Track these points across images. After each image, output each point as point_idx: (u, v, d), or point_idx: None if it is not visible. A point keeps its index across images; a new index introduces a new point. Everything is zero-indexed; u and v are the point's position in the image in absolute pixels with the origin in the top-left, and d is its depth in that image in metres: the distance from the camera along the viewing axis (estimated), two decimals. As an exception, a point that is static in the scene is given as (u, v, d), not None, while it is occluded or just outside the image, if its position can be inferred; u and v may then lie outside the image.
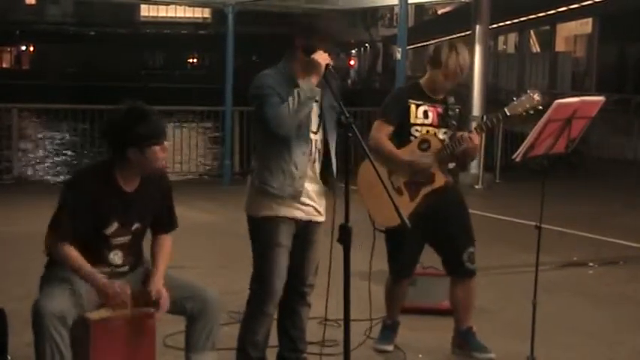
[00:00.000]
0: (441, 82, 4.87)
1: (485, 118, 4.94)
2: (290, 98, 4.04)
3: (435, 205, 4.85)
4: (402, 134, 4.92)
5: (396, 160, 4.85)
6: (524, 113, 4.77)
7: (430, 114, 4.92)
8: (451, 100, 4.94)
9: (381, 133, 4.94)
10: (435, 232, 4.92)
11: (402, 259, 5.06)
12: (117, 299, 3.77)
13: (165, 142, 3.83)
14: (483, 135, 4.98)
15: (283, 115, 4.03)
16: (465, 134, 4.79)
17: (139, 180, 3.90)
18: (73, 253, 3.77)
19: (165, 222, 4.09)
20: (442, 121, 4.92)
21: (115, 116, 3.84)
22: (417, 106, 4.91)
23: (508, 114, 4.78)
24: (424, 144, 4.88)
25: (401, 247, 5.01)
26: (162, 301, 3.85)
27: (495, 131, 13.54)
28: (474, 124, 5.01)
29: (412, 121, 4.90)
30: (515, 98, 4.80)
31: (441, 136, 4.91)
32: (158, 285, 3.89)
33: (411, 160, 4.83)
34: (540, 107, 4.69)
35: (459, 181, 5.16)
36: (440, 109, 4.93)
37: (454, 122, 4.93)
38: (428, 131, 4.90)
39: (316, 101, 4.17)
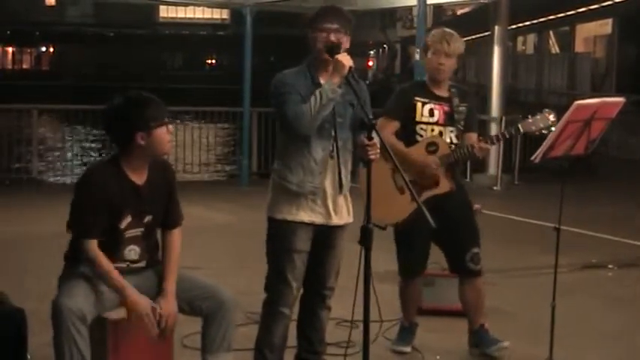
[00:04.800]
0: (434, 63, 4.84)
1: (499, 132, 4.96)
2: (312, 98, 4.03)
3: (440, 204, 4.83)
4: (407, 133, 4.90)
5: (404, 158, 4.81)
6: (537, 133, 4.75)
7: (436, 112, 4.89)
8: (456, 100, 4.91)
9: (387, 129, 4.89)
10: (439, 231, 4.89)
11: (410, 258, 5.05)
12: (143, 320, 3.78)
13: (170, 126, 3.88)
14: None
15: (305, 116, 4.03)
16: (477, 145, 4.77)
17: (146, 172, 3.93)
18: (102, 256, 3.79)
19: (172, 214, 4.08)
20: (449, 120, 4.89)
21: (116, 106, 3.88)
22: (423, 104, 4.89)
23: (522, 131, 4.78)
24: (432, 146, 4.85)
25: (409, 246, 4.99)
26: (168, 322, 3.86)
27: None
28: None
29: (417, 119, 4.88)
30: (530, 116, 4.77)
31: (448, 134, 4.89)
32: (168, 304, 3.89)
33: (424, 163, 4.81)
34: (553, 128, 4.65)
35: (464, 181, 5.13)
36: (447, 108, 4.90)
37: (462, 122, 4.91)
38: (433, 129, 4.88)
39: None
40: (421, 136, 4.88)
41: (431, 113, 4.89)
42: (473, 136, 4.93)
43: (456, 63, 4.91)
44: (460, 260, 4.96)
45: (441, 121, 4.89)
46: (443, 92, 4.93)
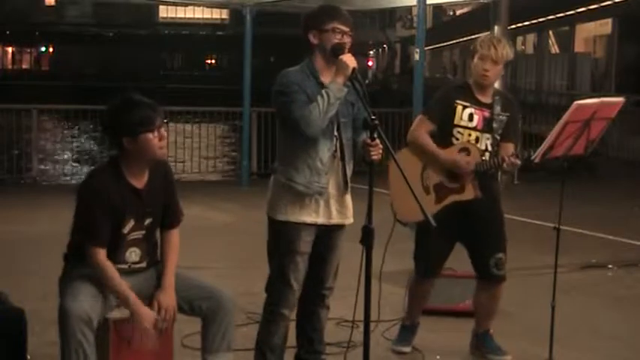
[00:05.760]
0: (480, 69, 4.78)
1: (530, 148, 4.87)
2: (319, 98, 4.03)
3: (469, 209, 4.80)
4: (443, 135, 4.85)
5: (435, 158, 4.78)
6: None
7: (476, 117, 4.83)
8: (498, 108, 4.85)
9: (422, 129, 4.88)
10: (466, 234, 4.89)
11: (429, 258, 5.03)
12: (145, 330, 3.79)
13: (162, 131, 3.83)
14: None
15: (313, 116, 4.02)
16: (507, 159, 4.71)
17: (146, 175, 3.92)
18: (110, 266, 3.79)
19: (171, 215, 4.08)
20: (487, 127, 4.83)
21: (108, 109, 3.89)
22: (464, 107, 4.83)
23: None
24: (464, 152, 4.80)
25: (428, 247, 4.97)
26: (167, 315, 3.87)
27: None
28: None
29: (456, 122, 4.82)
30: None
31: (484, 141, 4.84)
32: (166, 297, 3.90)
33: (454, 160, 4.77)
34: None
35: (498, 184, 5.09)
36: (487, 114, 4.83)
37: (500, 130, 4.84)
38: (470, 134, 4.84)
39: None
40: (457, 139, 4.83)
41: (470, 118, 4.84)
42: (509, 147, 4.86)
43: (502, 69, 4.85)
44: (484, 264, 4.92)
45: (479, 127, 4.83)
46: (486, 98, 4.87)
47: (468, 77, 5.02)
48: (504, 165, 4.73)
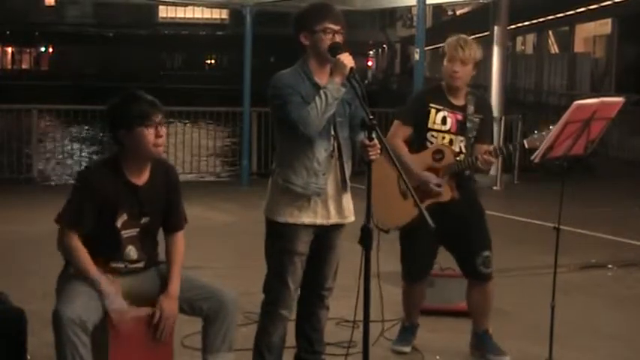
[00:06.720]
0: (449, 70, 4.82)
1: (502, 145, 4.94)
2: (317, 99, 4.02)
3: (449, 210, 4.83)
4: (418, 138, 4.90)
5: (406, 168, 4.77)
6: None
7: (449, 120, 4.87)
8: (471, 109, 4.89)
9: (397, 135, 4.92)
10: (449, 235, 4.90)
11: (414, 263, 5.04)
12: (116, 318, 3.78)
13: (160, 129, 3.83)
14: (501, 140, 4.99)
15: (311, 117, 4.01)
16: (480, 157, 4.74)
17: (147, 174, 3.92)
18: (80, 249, 3.80)
19: (174, 218, 4.07)
20: (461, 129, 4.87)
21: (109, 104, 3.92)
22: (437, 111, 4.87)
23: (526, 146, 4.74)
24: (438, 154, 4.85)
25: (413, 251, 4.99)
26: (168, 324, 3.87)
27: (514, 132, 13.53)
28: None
29: (430, 125, 4.87)
30: (536, 132, 4.75)
31: (458, 143, 4.87)
32: (169, 305, 3.89)
33: (424, 178, 4.81)
34: None
35: (476, 183, 5.12)
36: (460, 117, 4.88)
37: (474, 132, 4.88)
38: (444, 137, 4.87)
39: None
40: (431, 142, 4.87)
41: (443, 121, 4.87)
42: (483, 147, 4.88)
43: (472, 69, 4.86)
44: (471, 264, 4.94)
45: (452, 130, 4.87)
46: (459, 100, 4.90)
47: (440, 80, 5.05)
48: (478, 163, 4.77)
